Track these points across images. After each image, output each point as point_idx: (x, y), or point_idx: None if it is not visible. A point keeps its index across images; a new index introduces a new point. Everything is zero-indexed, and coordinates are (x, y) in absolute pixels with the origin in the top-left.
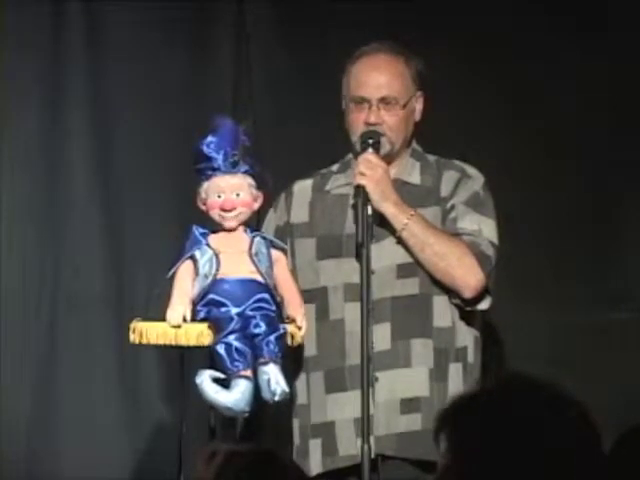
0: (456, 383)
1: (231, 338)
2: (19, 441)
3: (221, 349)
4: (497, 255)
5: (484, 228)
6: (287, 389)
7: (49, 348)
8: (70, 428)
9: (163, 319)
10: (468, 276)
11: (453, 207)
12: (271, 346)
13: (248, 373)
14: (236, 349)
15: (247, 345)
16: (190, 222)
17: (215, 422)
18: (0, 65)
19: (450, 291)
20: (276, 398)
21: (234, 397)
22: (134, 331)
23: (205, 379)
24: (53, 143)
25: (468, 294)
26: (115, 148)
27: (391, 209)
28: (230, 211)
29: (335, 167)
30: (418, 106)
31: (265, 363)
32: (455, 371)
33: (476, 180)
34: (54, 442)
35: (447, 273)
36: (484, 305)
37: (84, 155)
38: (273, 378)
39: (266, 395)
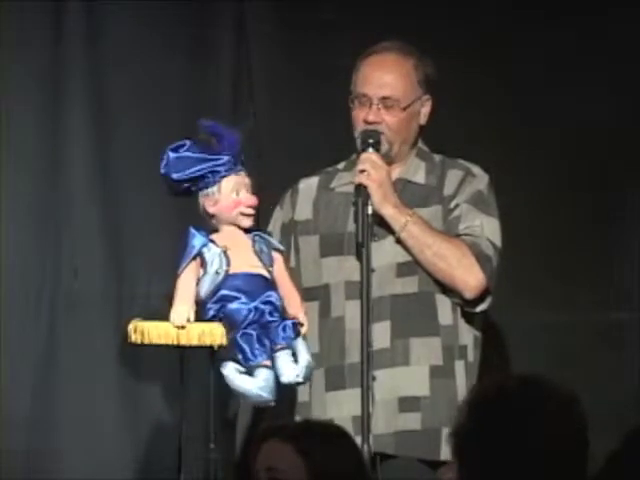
0: (462, 380)
1: (250, 329)
2: (19, 441)
3: (242, 340)
4: (499, 255)
5: (486, 227)
6: (312, 364)
7: (49, 348)
8: (70, 428)
9: (165, 319)
10: (468, 277)
11: (457, 206)
12: (288, 331)
13: (269, 363)
14: (257, 338)
15: (265, 335)
16: (190, 222)
17: (215, 422)
18: (0, 65)
19: (451, 291)
20: (299, 379)
21: (259, 385)
22: (135, 331)
23: (231, 370)
24: (53, 143)
25: (468, 295)
26: (115, 148)
27: (390, 211)
28: (253, 208)
29: (341, 165)
30: (424, 109)
31: (282, 348)
32: (460, 368)
33: (480, 179)
34: (54, 442)
35: (447, 274)
36: (483, 306)
37: (84, 155)
38: (292, 360)
39: (288, 378)
